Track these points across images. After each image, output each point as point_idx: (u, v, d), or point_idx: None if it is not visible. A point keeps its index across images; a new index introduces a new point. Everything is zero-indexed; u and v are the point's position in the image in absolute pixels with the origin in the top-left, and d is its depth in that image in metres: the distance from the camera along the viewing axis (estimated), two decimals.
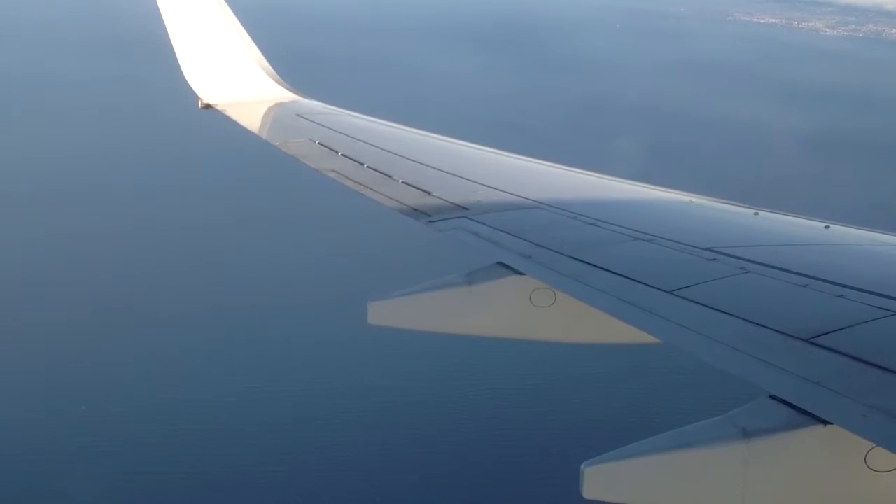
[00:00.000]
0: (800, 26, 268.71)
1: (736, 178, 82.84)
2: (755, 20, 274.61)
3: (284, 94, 14.75)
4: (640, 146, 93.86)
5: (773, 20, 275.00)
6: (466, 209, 9.71)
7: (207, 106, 14.15)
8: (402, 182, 10.72)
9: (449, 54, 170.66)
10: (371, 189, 10.65)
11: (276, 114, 14.30)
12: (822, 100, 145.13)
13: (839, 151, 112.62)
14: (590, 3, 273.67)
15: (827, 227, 8.92)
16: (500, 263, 8.16)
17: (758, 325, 6.27)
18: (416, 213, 9.80)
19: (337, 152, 12.09)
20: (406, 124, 13.77)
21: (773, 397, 5.49)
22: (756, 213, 9.62)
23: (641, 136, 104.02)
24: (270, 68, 14.88)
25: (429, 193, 10.31)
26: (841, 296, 6.66)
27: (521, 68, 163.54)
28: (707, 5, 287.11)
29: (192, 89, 14.23)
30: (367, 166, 11.41)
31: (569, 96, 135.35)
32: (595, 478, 5.37)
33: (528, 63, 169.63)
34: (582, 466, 5.36)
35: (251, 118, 14.01)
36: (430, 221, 9.51)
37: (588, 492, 5.37)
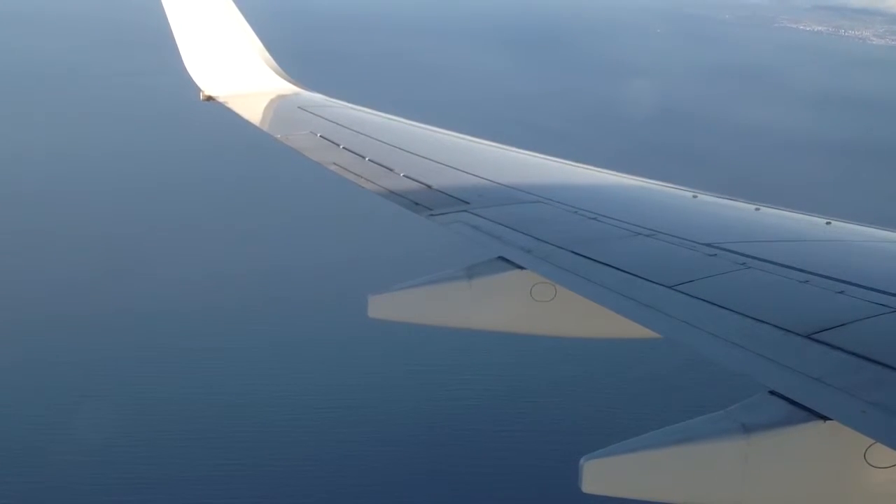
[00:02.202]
0: (846, 34, 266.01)
1: (755, 182, 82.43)
2: (801, 27, 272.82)
3: (286, 87, 14.74)
4: (662, 149, 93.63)
5: (820, 28, 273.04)
6: (467, 203, 9.71)
7: (209, 98, 14.15)
8: (404, 175, 10.72)
9: (485, 55, 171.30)
10: (372, 182, 10.65)
11: (278, 106, 14.29)
12: (859, 108, 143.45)
13: (869, 160, 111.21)
14: (634, 6, 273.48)
15: (828, 223, 8.91)
16: (500, 257, 8.16)
17: (758, 320, 6.26)
18: (417, 206, 9.80)
19: (338, 145, 12.09)
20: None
21: (772, 393, 5.48)
22: (757, 209, 9.60)
23: (665, 139, 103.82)
24: (272, 60, 14.87)
25: (430, 187, 10.31)
26: (841, 292, 6.65)
27: (556, 70, 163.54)
28: (753, 11, 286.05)
29: (193, 81, 14.23)
30: (369, 159, 11.41)
31: (598, 98, 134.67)
32: (594, 472, 5.36)
33: (563, 65, 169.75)
34: (581, 461, 5.35)
35: (253, 110, 14.01)
36: (432, 215, 9.50)
37: (587, 486, 5.37)
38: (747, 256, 7.57)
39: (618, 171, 11.38)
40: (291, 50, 38.41)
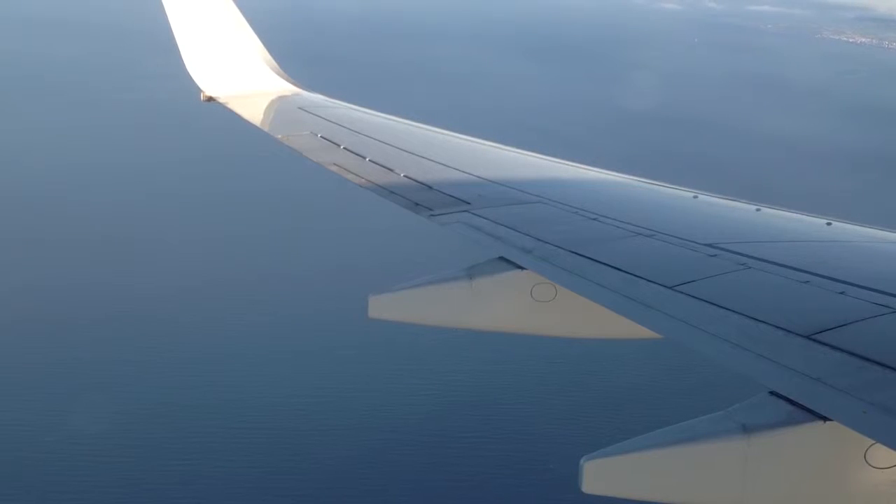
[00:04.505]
0: (891, 46, 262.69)
1: (774, 190, 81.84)
2: (844, 38, 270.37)
3: (287, 87, 14.74)
4: (683, 158, 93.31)
5: (864, 39, 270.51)
6: (468, 203, 9.71)
7: (210, 98, 14.15)
8: (404, 176, 10.72)
9: (515, 63, 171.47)
10: (372, 182, 10.65)
11: (279, 107, 14.28)
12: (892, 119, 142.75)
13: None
14: (674, 16, 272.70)
15: (829, 224, 8.91)
16: (501, 258, 8.16)
17: (758, 321, 6.27)
18: (417, 206, 9.79)
19: (339, 146, 12.08)
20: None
21: (773, 393, 5.49)
22: (758, 210, 9.61)
23: (688, 148, 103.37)
24: (273, 61, 14.87)
25: (430, 187, 10.31)
26: (842, 293, 6.65)
27: (584, 79, 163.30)
28: (796, 22, 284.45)
29: (194, 82, 14.23)
30: (369, 160, 11.41)
31: (622, 107, 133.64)
32: (594, 472, 5.36)
33: (593, 74, 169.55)
34: (581, 461, 5.35)
35: (253, 111, 14.00)
36: (432, 215, 9.49)
37: (587, 486, 5.37)
38: (748, 257, 7.57)
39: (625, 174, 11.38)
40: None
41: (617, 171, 11.50)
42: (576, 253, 8.01)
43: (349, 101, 14.94)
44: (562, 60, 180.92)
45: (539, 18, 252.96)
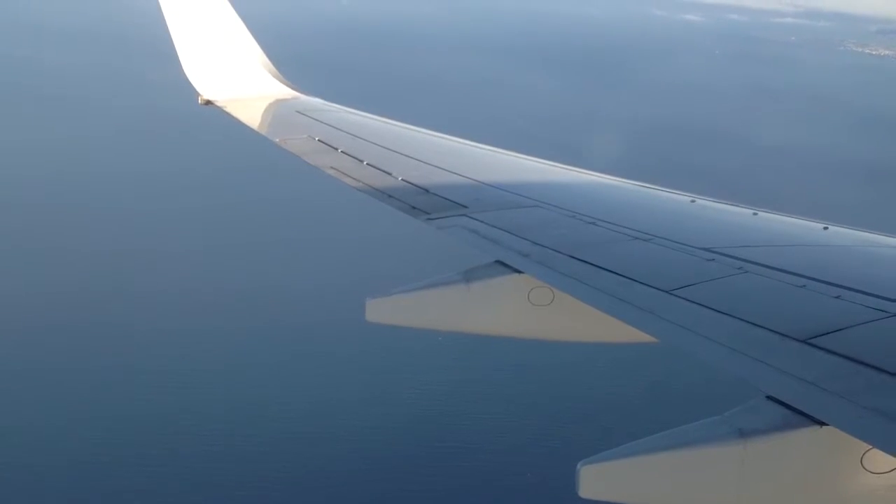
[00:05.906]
0: None
1: (784, 201, 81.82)
2: (867, 51, 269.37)
3: (285, 91, 14.73)
4: (693, 168, 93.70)
5: (887, 52, 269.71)
6: (465, 207, 9.71)
7: (207, 102, 14.13)
8: (402, 179, 10.72)
9: (535, 74, 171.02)
10: (370, 186, 10.64)
11: (277, 110, 14.28)
12: None
13: None
14: (696, 29, 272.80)
15: (825, 228, 8.92)
16: (498, 262, 8.16)
17: (755, 325, 6.27)
18: (414, 210, 9.78)
19: (336, 149, 12.08)
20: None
21: (769, 398, 5.49)
22: (755, 214, 9.62)
23: (705, 159, 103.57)
24: (270, 65, 14.86)
25: (427, 191, 10.31)
26: (838, 297, 6.66)
27: (605, 90, 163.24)
28: (819, 35, 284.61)
29: (191, 85, 14.22)
30: (367, 163, 11.40)
31: (641, 118, 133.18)
32: (591, 477, 5.36)
33: (615, 85, 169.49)
34: (578, 465, 5.35)
35: (251, 115, 13.98)
36: (429, 219, 9.49)
37: (584, 491, 5.36)
38: (745, 261, 7.58)
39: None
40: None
41: (619, 177, 11.50)
42: (573, 257, 8.01)
43: (350, 108, 14.92)
44: (582, 72, 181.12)
45: (560, 30, 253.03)
